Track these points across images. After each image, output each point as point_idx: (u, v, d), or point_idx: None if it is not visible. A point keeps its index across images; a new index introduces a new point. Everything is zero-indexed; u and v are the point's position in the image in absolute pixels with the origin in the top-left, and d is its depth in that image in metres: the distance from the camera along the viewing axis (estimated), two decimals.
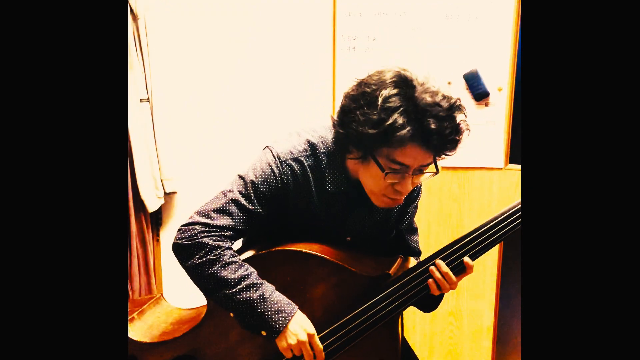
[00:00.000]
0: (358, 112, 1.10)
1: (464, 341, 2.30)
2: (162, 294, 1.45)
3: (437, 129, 1.06)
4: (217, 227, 1.16)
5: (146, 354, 1.28)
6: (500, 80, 2.08)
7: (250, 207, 1.18)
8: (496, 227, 1.23)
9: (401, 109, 1.06)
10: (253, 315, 1.16)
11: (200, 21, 2.28)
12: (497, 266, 2.20)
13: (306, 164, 1.21)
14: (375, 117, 1.07)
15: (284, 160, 1.20)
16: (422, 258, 1.31)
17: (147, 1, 2.17)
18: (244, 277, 1.15)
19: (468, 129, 1.13)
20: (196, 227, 1.16)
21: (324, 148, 1.23)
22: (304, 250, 1.21)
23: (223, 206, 1.18)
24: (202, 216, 1.18)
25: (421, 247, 1.43)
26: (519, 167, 2.13)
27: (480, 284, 2.23)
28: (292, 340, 1.16)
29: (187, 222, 1.18)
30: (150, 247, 2.27)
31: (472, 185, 2.18)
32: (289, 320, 1.16)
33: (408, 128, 1.06)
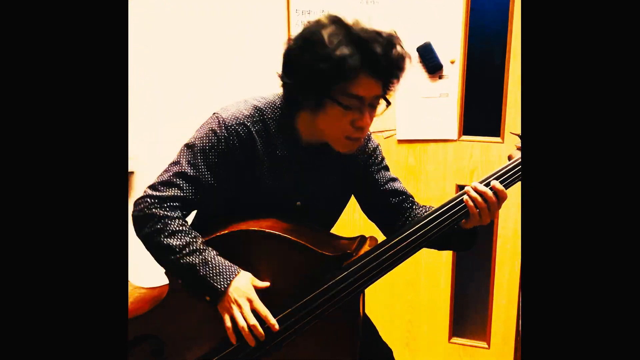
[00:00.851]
0: (306, 56, 1.13)
1: (421, 309, 2.37)
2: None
3: (383, 53, 1.11)
4: (165, 198, 1.20)
5: None
6: (453, 53, 2.11)
7: (198, 175, 1.21)
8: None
9: (346, 40, 1.11)
10: (196, 279, 1.18)
11: None
12: None
13: (253, 129, 1.23)
14: (325, 52, 1.11)
15: (230, 126, 1.21)
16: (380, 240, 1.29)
17: None
18: (188, 244, 1.18)
19: (409, 57, 1.18)
20: (147, 199, 1.21)
21: (271, 113, 1.25)
22: (265, 230, 1.22)
23: (170, 178, 1.22)
24: (152, 189, 1.22)
25: None
26: (472, 138, 2.18)
27: (436, 252, 2.29)
28: (232, 304, 1.17)
29: (140, 195, 1.22)
30: None
31: (427, 158, 2.23)
32: (230, 281, 1.17)
33: (357, 56, 1.10)
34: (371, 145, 1.39)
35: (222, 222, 1.26)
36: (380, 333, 1.52)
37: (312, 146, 1.27)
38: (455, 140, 2.19)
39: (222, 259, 1.20)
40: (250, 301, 1.18)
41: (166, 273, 1.27)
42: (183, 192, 1.21)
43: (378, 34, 1.13)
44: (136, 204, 1.23)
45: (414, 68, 2.15)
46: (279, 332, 1.20)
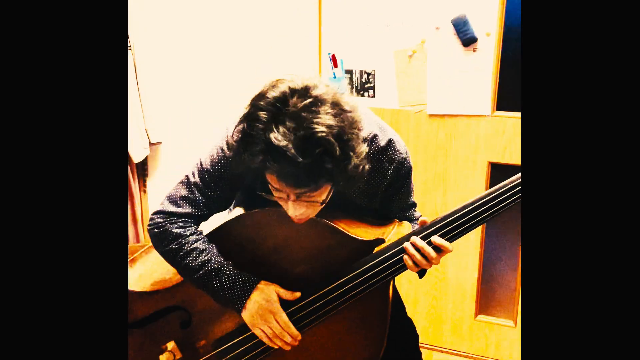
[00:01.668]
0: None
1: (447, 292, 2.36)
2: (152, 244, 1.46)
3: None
4: (179, 215, 1.22)
5: (137, 303, 1.30)
6: (489, 25, 2.05)
7: (211, 193, 1.21)
8: (480, 208, 1.16)
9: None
10: (216, 298, 1.23)
11: None
12: None
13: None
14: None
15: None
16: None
17: None
18: (204, 264, 1.20)
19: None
20: (161, 215, 1.22)
21: None
22: None
23: (186, 194, 1.22)
24: (168, 204, 1.23)
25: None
26: (505, 114, 2.12)
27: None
28: (254, 318, 1.20)
29: (156, 209, 1.24)
30: (137, 199, 2.26)
31: (458, 133, 2.18)
32: (247, 299, 1.19)
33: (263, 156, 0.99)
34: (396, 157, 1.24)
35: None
36: (405, 309, 1.51)
37: None
38: (488, 116, 2.13)
39: (239, 275, 1.21)
40: (273, 314, 1.19)
41: None
42: (197, 208, 1.22)
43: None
44: (152, 218, 1.24)
45: (448, 40, 2.09)
46: (306, 314, 1.21)
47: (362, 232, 1.24)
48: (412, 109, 2.20)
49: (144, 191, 2.37)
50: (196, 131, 2.29)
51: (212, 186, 1.21)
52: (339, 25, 2.25)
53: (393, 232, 1.25)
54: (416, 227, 1.21)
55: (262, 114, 0.97)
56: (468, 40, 2.07)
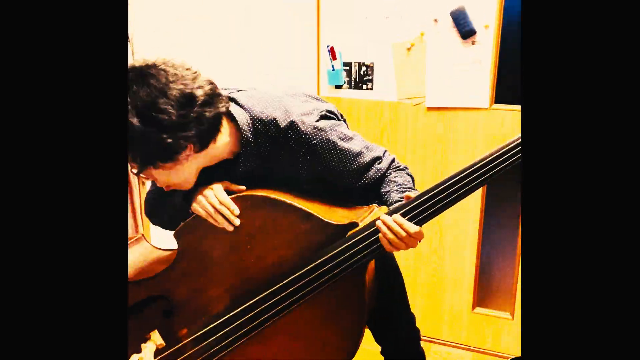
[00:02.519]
0: None
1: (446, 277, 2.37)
2: (142, 234, 1.46)
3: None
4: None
5: None
6: (488, 18, 2.04)
7: None
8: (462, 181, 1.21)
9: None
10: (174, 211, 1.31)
11: None
12: (481, 204, 2.24)
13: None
14: None
15: None
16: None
17: None
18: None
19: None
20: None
21: None
22: (270, 196, 1.21)
23: None
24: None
25: None
26: (504, 106, 2.12)
27: (462, 221, 2.27)
28: (199, 199, 1.23)
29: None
30: (135, 189, 2.27)
31: (457, 126, 2.18)
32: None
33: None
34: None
35: None
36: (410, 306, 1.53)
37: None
38: (486, 109, 2.13)
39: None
40: (212, 190, 1.23)
41: (174, 235, 1.29)
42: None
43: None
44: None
45: (447, 33, 2.09)
46: (280, 299, 1.22)
47: (339, 217, 1.23)
48: (410, 101, 2.20)
49: (143, 183, 2.38)
50: None
51: None
52: (338, 18, 2.24)
53: (370, 216, 1.24)
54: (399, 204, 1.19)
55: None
56: (467, 32, 2.06)
